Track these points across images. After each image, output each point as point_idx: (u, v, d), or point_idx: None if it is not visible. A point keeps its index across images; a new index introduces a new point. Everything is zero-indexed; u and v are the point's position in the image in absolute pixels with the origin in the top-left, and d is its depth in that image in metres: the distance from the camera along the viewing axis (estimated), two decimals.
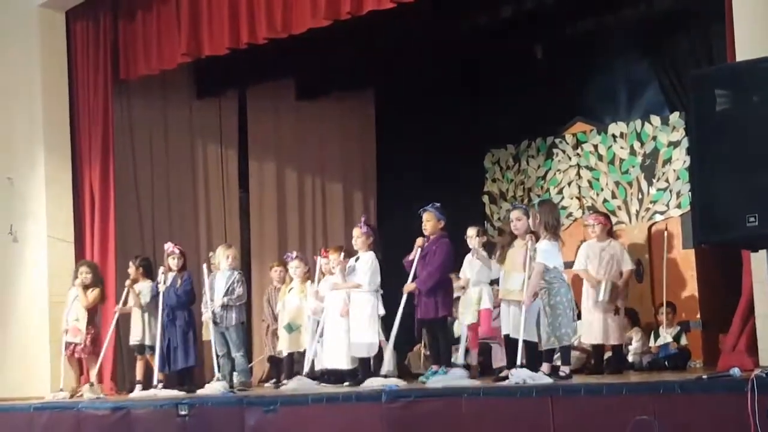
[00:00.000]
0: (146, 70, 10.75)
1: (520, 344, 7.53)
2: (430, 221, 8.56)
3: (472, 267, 8.70)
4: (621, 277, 8.82)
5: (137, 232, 11.54)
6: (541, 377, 7.14)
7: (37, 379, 10.28)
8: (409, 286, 8.48)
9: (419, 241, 8.53)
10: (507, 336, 7.94)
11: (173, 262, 9.71)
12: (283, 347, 9.65)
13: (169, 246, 9.84)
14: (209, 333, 9.58)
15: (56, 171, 10.79)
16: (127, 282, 10.01)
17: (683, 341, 9.38)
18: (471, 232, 8.83)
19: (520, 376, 7.07)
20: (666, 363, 9.06)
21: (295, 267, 9.73)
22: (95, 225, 10.76)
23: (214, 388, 8.98)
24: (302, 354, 9.46)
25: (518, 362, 7.41)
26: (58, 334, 10.19)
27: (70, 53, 11.03)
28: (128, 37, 10.83)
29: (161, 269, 9.70)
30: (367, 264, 8.72)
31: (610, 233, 9.09)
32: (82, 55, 10.99)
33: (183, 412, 8.10)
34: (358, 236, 8.88)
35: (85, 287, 10.04)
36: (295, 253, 10.02)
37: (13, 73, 10.94)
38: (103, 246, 10.71)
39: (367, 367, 8.75)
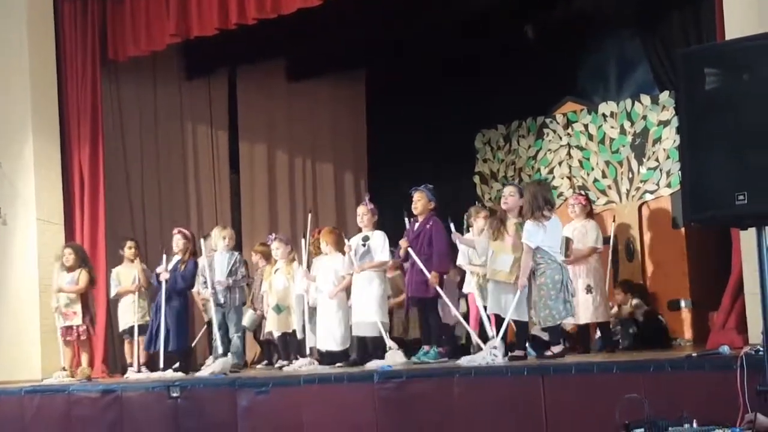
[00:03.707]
0: (135, 51, 10.70)
1: (505, 324, 7.61)
2: (420, 200, 8.55)
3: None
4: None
5: (127, 214, 11.51)
6: (494, 358, 7.23)
7: (27, 363, 10.26)
8: (434, 276, 8.38)
9: (403, 243, 8.52)
10: (497, 315, 7.97)
11: (178, 245, 9.72)
12: (272, 328, 9.66)
13: (176, 229, 9.93)
14: (210, 314, 9.61)
15: (45, 153, 10.74)
16: (140, 265, 10.03)
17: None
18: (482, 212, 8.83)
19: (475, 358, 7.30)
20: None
21: (275, 248, 9.70)
22: (85, 207, 10.73)
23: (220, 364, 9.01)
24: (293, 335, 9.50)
25: (496, 340, 7.50)
26: (48, 317, 10.18)
27: (58, 34, 10.96)
28: (117, 17, 10.78)
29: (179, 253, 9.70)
30: (383, 242, 8.71)
31: (589, 214, 9.18)
32: (70, 36, 10.93)
33: (175, 394, 8.12)
34: (365, 213, 8.85)
35: (69, 269, 10.01)
36: (274, 235, 9.99)
37: (1, 55, 10.87)
38: (92, 228, 10.68)
39: (364, 348, 8.77)
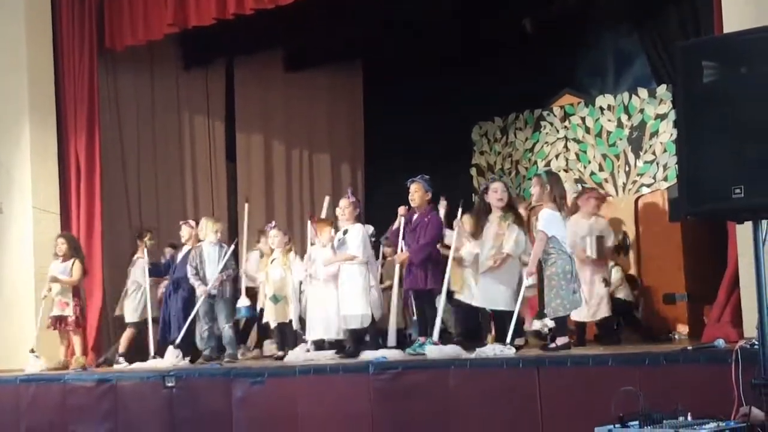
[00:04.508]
0: (132, 40, 10.69)
1: (515, 315, 7.63)
2: (417, 192, 8.55)
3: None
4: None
5: (124, 204, 11.52)
6: (505, 351, 7.25)
7: (23, 352, 10.25)
8: (401, 256, 8.48)
9: (402, 209, 8.54)
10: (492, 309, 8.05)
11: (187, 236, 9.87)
12: (269, 318, 9.67)
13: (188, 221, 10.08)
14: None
15: (42, 142, 10.74)
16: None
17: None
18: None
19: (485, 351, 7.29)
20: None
21: (273, 236, 9.71)
22: (81, 197, 10.73)
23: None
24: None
25: (509, 335, 7.52)
26: (44, 306, 10.17)
27: (55, 23, 10.95)
28: (114, 7, 10.77)
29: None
30: (358, 236, 8.72)
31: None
32: (67, 26, 10.91)
33: (170, 384, 8.13)
34: (346, 207, 8.87)
35: (62, 258, 10.02)
36: (274, 222, 10.00)
37: None
38: (89, 218, 10.68)
39: (356, 338, 8.78)
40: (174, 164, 11.99)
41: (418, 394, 6.84)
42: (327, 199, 9.34)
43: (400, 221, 8.57)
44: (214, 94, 12.38)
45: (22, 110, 10.67)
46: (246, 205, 10.03)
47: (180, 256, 9.89)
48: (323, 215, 9.53)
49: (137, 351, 10.11)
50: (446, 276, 8.21)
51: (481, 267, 8.04)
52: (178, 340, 9.40)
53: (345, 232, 8.81)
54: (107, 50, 11.02)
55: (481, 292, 8.09)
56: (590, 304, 8.43)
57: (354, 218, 8.85)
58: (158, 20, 10.28)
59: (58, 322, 10.02)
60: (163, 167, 11.88)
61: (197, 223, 9.97)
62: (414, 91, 12.01)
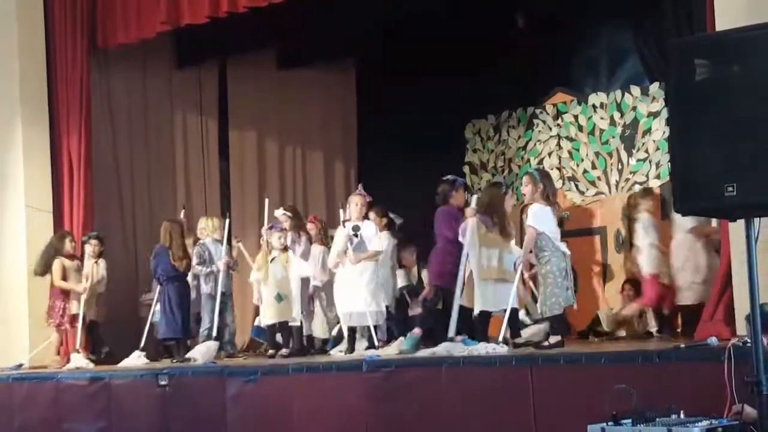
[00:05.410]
0: (125, 39, 10.66)
1: (507, 314, 7.62)
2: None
3: None
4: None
5: (116, 202, 11.50)
6: (498, 349, 7.27)
7: (16, 350, 10.24)
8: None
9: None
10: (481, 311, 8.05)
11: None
12: (272, 318, 9.64)
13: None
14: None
15: (34, 141, 10.70)
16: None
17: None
18: None
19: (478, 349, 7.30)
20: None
21: (278, 238, 9.72)
22: (74, 195, 10.71)
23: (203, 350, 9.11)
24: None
25: (500, 336, 7.53)
26: (37, 305, 10.17)
27: (48, 21, 10.91)
28: (106, 5, 10.74)
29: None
30: (376, 231, 8.74)
31: None
32: (59, 23, 10.86)
33: (163, 382, 8.12)
34: (363, 204, 8.84)
35: (71, 257, 10.07)
36: (279, 225, 10.01)
37: None
38: (80, 216, 10.65)
39: (354, 337, 8.79)
40: (167, 163, 11.97)
41: (412, 391, 6.84)
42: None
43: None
44: (207, 93, 12.36)
45: (14, 109, 10.63)
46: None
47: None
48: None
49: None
50: (460, 274, 8.15)
51: (501, 273, 7.97)
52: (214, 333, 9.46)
53: (355, 228, 8.77)
54: (100, 49, 11.00)
55: (485, 296, 8.06)
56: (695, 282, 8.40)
57: (365, 215, 8.87)
58: (151, 18, 10.26)
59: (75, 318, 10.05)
60: (155, 166, 11.86)
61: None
62: (407, 89, 12.00)
